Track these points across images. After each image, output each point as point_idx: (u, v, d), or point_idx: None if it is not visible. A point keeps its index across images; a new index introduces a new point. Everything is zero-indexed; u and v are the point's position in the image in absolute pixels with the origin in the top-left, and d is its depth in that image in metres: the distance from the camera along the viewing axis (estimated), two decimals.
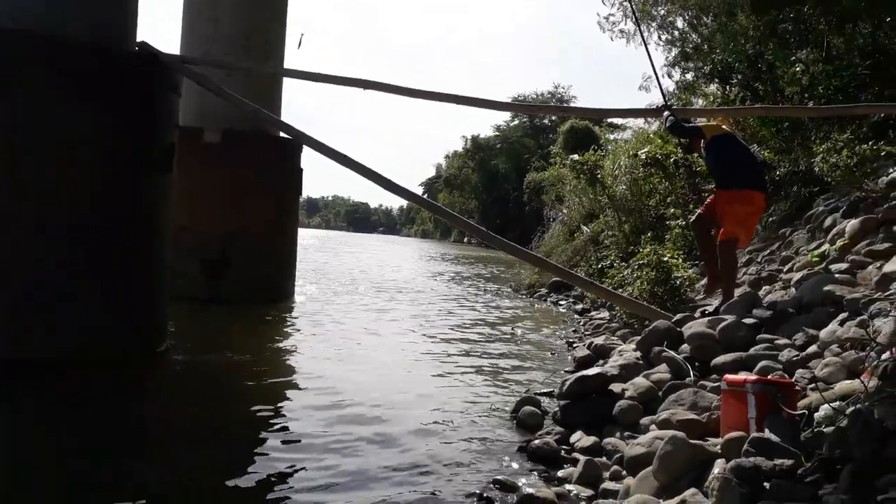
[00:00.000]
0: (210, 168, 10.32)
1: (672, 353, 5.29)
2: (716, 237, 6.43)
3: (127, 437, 4.55)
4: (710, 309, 6.37)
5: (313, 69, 8.30)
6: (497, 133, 62.29)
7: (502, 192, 55.23)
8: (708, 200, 6.77)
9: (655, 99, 18.63)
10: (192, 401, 5.43)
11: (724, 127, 6.68)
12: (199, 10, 11.21)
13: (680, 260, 8.30)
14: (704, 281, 6.43)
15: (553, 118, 54.53)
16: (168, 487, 3.66)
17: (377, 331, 9.12)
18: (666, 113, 6.96)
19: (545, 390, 5.96)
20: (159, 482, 3.71)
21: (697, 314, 6.35)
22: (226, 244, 10.44)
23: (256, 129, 10.74)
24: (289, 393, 5.74)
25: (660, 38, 18.50)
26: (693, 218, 6.88)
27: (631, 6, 15.93)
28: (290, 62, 12.26)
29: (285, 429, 4.76)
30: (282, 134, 10.52)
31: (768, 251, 8.67)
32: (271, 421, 4.94)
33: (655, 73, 7.88)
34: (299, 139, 8.01)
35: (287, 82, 13.25)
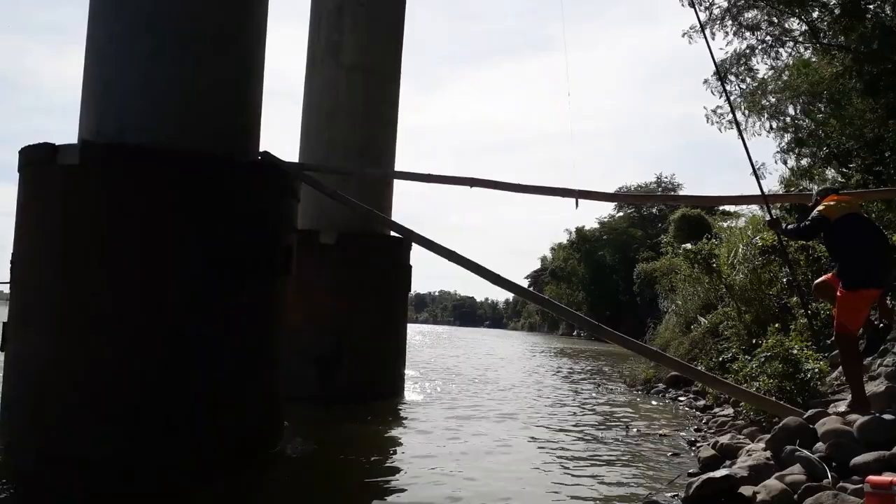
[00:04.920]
0: (325, 269, 10.71)
1: (806, 452, 4.96)
2: (858, 353, 6.07)
3: None
4: (843, 407, 5.95)
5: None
6: (601, 225, 61.90)
7: (611, 284, 54.25)
8: (830, 279, 6.39)
9: (771, 186, 18.16)
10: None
11: (844, 204, 6.20)
12: (318, 125, 11.98)
13: (810, 351, 7.84)
14: (849, 400, 6.00)
15: (661, 207, 53.80)
16: None
17: (489, 429, 8.99)
18: (778, 229, 7.04)
19: (670, 493, 5.66)
20: None
21: (831, 409, 5.94)
22: (339, 342, 10.68)
23: (368, 229, 11.16)
24: (401, 497, 5.67)
25: (771, 126, 18.19)
26: (835, 327, 6.15)
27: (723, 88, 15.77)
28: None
29: None
30: (392, 233, 10.87)
31: None
32: None
33: (754, 169, 7.79)
34: (409, 237, 8.25)
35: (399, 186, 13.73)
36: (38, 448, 5.93)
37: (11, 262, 6.42)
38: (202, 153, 6.38)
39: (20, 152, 6.51)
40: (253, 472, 6.23)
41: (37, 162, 6.32)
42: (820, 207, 6.25)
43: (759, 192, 8.09)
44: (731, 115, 17.88)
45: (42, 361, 6.01)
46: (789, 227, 6.91)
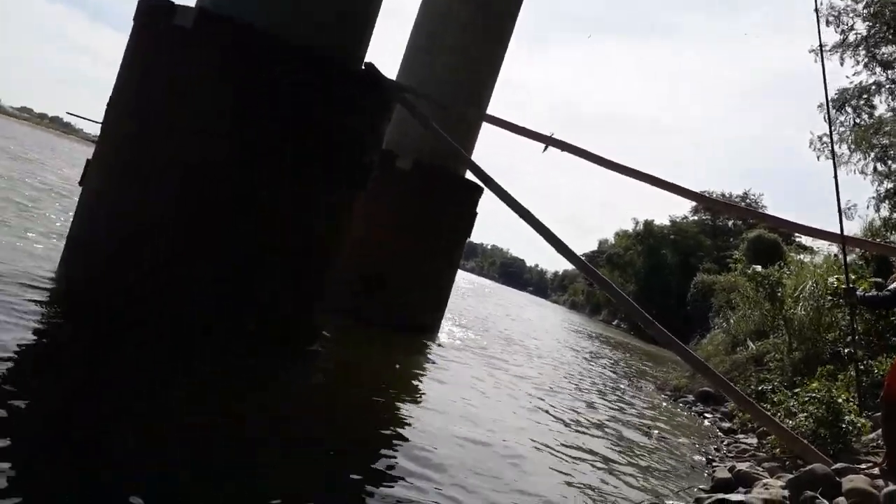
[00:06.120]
0: (395, 192, 10.70)
1: (825, 502, 4.81)
2: None
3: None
4: (877, 470, 5.75)
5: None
6: (671, 224, 60.62)
7: (664, 285, 53.20)
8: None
9: (855, 228, 17.42)
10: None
11: None
12: (422, 50, 11.84)
13: (853, 404, 7.58)
14: (883, 461, 5.78)
15: (737, 223, 52.33)
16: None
17: (509, 393, 8.98)
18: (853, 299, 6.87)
19: (675, 502, 5.58)
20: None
21: (863, 466, 5.75)
22: (391, 265, 10.71)
23: (444, 166, 11.06)
24: (395, 442, 5.45)
25: (875, 168, 17.35)
26: (884, 389, 5.92)
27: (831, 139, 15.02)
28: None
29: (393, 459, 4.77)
30: (467, 176, 10.77)
31: None
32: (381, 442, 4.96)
33: (839, 205, 7.53)
34: (486, 184, 8.14)
35: None
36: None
37: (108, 105, 6.58)
38: (315, 51, 6.33)
39: (139, 3, 6.60)
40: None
41: (151, 15, 6.40)
42: None
43: (838, 231, 7.76)
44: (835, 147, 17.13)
45: (108, 204, 6.26)
46: (867, 294, 6.68)
